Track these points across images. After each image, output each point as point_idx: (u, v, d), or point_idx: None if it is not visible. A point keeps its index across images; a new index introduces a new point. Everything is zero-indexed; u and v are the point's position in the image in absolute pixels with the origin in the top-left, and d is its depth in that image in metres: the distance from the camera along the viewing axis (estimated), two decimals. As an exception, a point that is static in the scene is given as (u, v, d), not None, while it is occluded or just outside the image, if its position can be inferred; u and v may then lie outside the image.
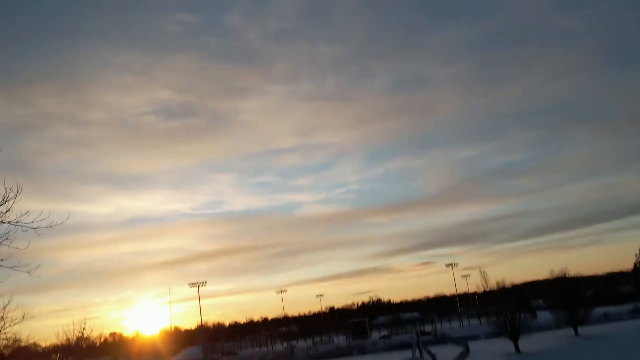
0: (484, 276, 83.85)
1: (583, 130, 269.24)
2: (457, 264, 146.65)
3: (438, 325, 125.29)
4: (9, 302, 19.22)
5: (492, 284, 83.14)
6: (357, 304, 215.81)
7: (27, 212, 14.89)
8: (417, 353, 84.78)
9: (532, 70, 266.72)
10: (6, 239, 14.88)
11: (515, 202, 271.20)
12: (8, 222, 14.71)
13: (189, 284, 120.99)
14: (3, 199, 14.63)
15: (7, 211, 14.57)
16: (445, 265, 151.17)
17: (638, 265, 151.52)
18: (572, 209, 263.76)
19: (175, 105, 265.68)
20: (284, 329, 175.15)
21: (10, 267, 15.37)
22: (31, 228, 14.98)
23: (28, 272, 15.73)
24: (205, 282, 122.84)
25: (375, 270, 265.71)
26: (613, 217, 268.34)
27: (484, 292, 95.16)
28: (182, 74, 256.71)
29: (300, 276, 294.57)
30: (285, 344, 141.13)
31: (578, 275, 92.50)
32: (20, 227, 14.94)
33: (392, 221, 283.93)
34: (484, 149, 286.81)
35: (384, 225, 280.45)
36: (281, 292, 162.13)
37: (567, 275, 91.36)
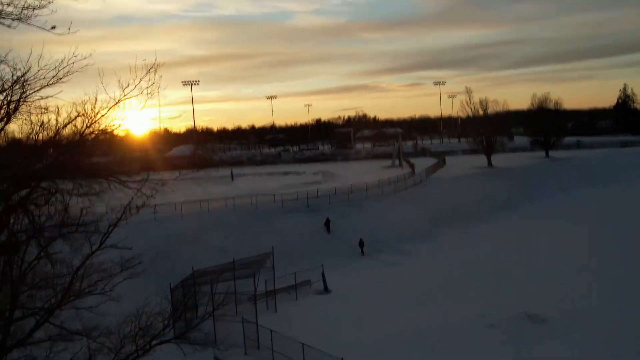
0: (469, 93, 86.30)
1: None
2: (445, 82, 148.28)
3: (419, 142, 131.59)
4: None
5: (476, 102, 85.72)
6: (344, 118, 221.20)
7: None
8: (397, 161, 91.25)
9: None
10: None
11: (511, 29, 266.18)
12: None
13: (182, 82, 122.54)
14: None
15: None
16: (433, 83, 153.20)
17: (620, 102, 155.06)
18: (567, 42, 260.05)
19: None
20: (271, 136, 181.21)
21: None
22: (16, 19, 13.86)
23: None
24: (199, 81, 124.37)
25: (363, 88, 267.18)
26: (606, 54, 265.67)
27: (467, 117, 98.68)
28: None
29: (289, 88, 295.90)
30: (272, 149, 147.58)
31: (558, 105, 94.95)
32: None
33: (385, 39, 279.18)
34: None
35: (377, 42, 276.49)
36: (271, 98, 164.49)
37: (547, 103, 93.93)
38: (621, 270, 36.74)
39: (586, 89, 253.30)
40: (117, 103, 16.23)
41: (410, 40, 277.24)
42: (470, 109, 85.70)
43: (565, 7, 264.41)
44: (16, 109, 15.19)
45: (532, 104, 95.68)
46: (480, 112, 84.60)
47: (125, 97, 16.07)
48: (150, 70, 14.94)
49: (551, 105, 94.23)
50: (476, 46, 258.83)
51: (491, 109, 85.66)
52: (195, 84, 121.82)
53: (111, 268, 18.78)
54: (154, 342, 18.41)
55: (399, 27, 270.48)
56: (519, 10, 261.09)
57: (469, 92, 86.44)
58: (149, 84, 15.48)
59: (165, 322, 18.93)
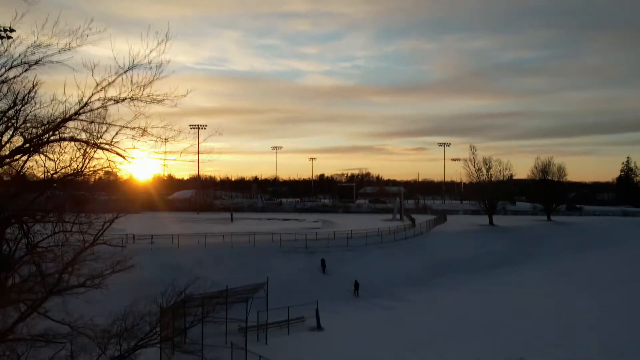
0: (473, 152, 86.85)
1: (601, 38, 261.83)
2: (449, 144, 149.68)
3: (421, 201, 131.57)
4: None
5: (479, 160, 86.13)
6: (347, 175, 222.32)
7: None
8: (398, 215, 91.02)
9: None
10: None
11: (518, 101, 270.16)
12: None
13: (190, 125, 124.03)
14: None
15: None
16: (438, 144, 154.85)
17: (622, 175, 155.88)
18: (571, 116, 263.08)
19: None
20: (273, 189, 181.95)
21: None
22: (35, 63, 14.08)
23: None
24: (206, 125, 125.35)
25: (369, 149, 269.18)
26: (611, 131, 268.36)
27: (470, 182, 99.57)
28: None
29: (295, 144, 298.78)
30: (274, 199, 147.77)
31: (562, 170, 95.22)
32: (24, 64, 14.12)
33: (393, 103, 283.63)
34: (497, 42, 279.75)
35: (384, 106, 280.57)
36: (276, 148, 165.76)
37: (550, 168, 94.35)
38: (617, 325, 36.01)
39: (589, 164, 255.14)
40: (123, 158, 16.87)
41: (417, 105, 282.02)
42: (474, 167, 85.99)
43: (571, 84, 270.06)
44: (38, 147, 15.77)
45: (535, 167, 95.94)
46: (484, 170, 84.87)
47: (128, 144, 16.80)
48: (157, 118, 15.52)
49: (554, 170, 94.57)
50: (482, 116, 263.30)
51: (494, 169, 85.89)
52: (202, 128, 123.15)
53: (102, 267, 18.63)
54: (140, 343, 17.97)
55: (406, 92, 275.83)
56: (526, 83, 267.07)
57: (473, 150, 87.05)
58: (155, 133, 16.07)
59: (152, 324, 18.53)
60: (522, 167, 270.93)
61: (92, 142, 14.96)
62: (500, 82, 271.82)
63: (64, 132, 14.89)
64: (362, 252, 53.21)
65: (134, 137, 14.49)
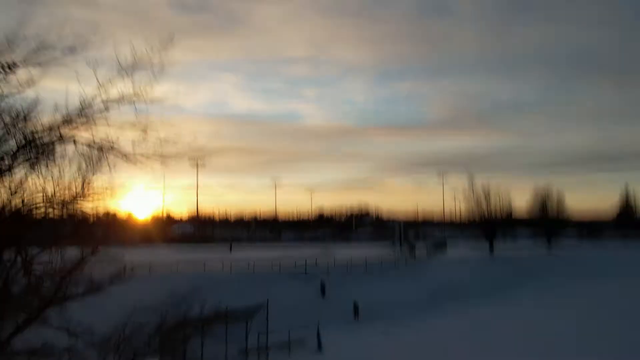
0: (471, 179, 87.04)
1: (597, 81, 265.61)
2: (447, 171, 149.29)
3: (421, 232, 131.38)
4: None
5: (478, 188, 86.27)
6: (346, 213, 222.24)
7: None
8: (398, 245, 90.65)
9: (558, 16, 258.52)
10: None
11: (515, 138, 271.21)
12: None
13: (189, 158, 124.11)
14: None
15: None
16: (437, 173, 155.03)
17: (622, 210, 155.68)
18: (570, 153, 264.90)
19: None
20: (272, 228, 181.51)
21: None
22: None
23: None
24: (204, 161, 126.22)
25: (367, 186, 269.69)
26: (608, 169, 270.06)
27: (471, 221, 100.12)
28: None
29: (293, 181, 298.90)
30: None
31: (560, 199, 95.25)
32: None
33: (391, 141, 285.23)
34: (493, 83, 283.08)
35: (382, 145, 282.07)
36: (275, 181, 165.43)
37: (550, 196, 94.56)
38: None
39: (588, 199, 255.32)
40: (117, 189, 17.30)
41: (414, 144, 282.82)
42: (472, 192, 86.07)
43: (569, 123, 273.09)
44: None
45: (534, 199, 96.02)
46: (483, 198, 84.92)
47: (127, 183, 17.26)
48: (157, 159, 15.92)
49: (554, 203, 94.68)
50: (479, 153, 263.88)
51: (493, 198, 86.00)
52: (201, 162, 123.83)
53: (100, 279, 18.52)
54: (138, 353, 17.67)
55: (403, 131, 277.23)
56: (524, 122, 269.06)
57: (471, 177, 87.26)
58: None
59: (150, 334, 18.27)
60: (520, 202, 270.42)
61: (94, 144, 15.04)
62: (498, 120, 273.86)
63: (66, 134, 14.98)
64: (362, 278, 52.87)
65: (134, 141, 14.59)
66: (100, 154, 14.97)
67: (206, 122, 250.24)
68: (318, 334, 35.61)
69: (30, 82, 14.31)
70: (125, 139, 14.91)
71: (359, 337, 39.15)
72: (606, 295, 58.32)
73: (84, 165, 17.40)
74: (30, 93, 14.62)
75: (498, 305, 51.51)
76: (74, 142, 14.90)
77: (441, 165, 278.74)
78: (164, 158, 14.94)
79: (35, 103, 15.15)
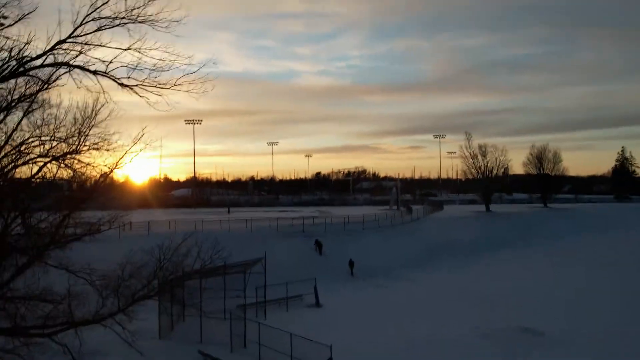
0: (469, 138, 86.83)
1: (596, 35, 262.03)
2: (445, 136, 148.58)
3: (418, 193, 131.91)
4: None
5: (475, 147, 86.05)
6: (343, 173, 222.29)
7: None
8: (394, 206, 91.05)
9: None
10: None
11: (513, 98, 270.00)
12: None
13: (185, 121, 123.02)
14: None
15: None
16: (433, 136, 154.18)
17: (618, 165, 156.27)
18: (566, 112, 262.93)
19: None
20: (270, 188, 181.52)
21: None
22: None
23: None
24: (201, 120, 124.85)
25: (364, 148, 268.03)
26: (605, 125, 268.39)
27: (466, 179, 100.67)
28: None
29: (291, 145, 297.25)
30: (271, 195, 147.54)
31: (557, 156, 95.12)
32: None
33: (388, 102, 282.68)
34: (491, 39, 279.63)
35: (379, 105, 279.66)
36: (272, 144, 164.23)
37: (546, 154, 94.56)
38: (617, 300, 36.06)
39: (584, 159, 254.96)
40: (121, 157, 17.24)
41: (411, 104, 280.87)
42: (470, 153, 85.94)
43: (565, 80, 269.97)
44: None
45: (531, 154, 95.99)
46: (479, 157, 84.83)
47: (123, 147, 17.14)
48: (152, 121, 15.93)
49: (550, 156, 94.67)
50: (476, 113, 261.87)
51: (490, 155, 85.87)
52: (197, 123, 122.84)
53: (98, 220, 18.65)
54: (137, 296, 17.91)
55: (400, 91, 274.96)
56: (521, 80, 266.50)
57: (468, 136, 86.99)
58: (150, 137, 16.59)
59: (150, 277, 18.48)
60: (517, 164, 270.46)
61: (88, 67, 14.66)
62: (495, 79, 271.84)
63: (60, 59, 14.62)
64: (359, 236, 53.24)
65: (128, 65, 14.33)
66: (95, 80, 14.64)
67: (199, 81, 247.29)
68: (315, 290, 36.08)
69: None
70: (121, 62, 14.57)
71: (355, 292, 39.75)
72: (603, 245, 59.11)
73: (79, 116, 17.30)
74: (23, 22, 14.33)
75: (493, 260, 52.19)
76: (69, 66, 14.56)
77: (437, 127, 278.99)
78: (159, 87, 14.67)
79: (29, 29, 14.90)
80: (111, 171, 18.29)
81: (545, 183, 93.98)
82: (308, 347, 21.98)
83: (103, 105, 16.18)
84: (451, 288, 40.26)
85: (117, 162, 18.05)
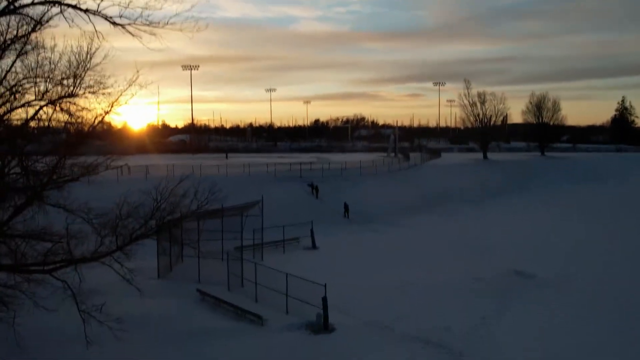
0: (467, 85, 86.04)
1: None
2: (444, 83, 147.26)
3: (416, 141, 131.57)
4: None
5: (474, 94, 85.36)
6: (342, 120, 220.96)
7: None
8: (392, 153, 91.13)
9: None
10: None
11: (514, 45, 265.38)
12: None
13: (182, 66, 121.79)
14: None
15: None
16: (433, 83, 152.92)
17: (617, 115, 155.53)
18: (567, 60, 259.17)
19: None
20: (268, 134, 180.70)
21: None
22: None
23: None
24: (199, 65, 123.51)
25: (363, 96, 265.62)
26: (606, 75, 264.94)
27: (465, 128, 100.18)
28: None
29: (289, 92, 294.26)
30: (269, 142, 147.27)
31: (556, 105, 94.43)
32: None
33: (388, 49, 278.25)
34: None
35: (379, 52, 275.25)
36: (270, 90, 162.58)
37: (545, 102, 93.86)
38: (612, 247, 36.60)
39: (584, 108, 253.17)
40: (117, 99, 16.94)
41: (411, 51, 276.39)
42: (468, 101, 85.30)
43: (568, 27, 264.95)
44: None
45: (530, 102, 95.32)
46: (478, 104, 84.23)
47: (125, 92, 16.82)
48: (149, 67, 15.54)
49: (549, 105, 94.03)
50: (476, 61, 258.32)
51: (489, 103, 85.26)
52: (195, 69, 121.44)
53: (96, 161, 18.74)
54: (135, 234, 18.20)
55: (400, 38, 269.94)
56: (522, 27, 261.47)
57: (467, 84, 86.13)
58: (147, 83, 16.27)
59: (147, 216, 18.72)
60: (516, 113, 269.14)
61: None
62: (496, 27, 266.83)
63: None
64: (356, 182, 53.59)
65: (120, 4, 14.08)
66: (88, 19, 14.41)
67: (195, 27, 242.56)
68: (312, 232, 36.62)
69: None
70: (112, 1, 14.36)
71: (351, 236, 40.30)
72: (601, 195, 59.53)
73: (74, 59, 17.07)
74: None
75: (490, 207, 52.69)
76: (60, 4, 14.31)
77: (437, 75, 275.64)
78: (152, 27, 14.49)
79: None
80: (107, 113, 18.19)
81: (543, 132, 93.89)
82: (303, 286, 22.45)
83: (98, 49, 15.99)
84: (447, 234, 40.79)
85: (113, 104, 17.89)
